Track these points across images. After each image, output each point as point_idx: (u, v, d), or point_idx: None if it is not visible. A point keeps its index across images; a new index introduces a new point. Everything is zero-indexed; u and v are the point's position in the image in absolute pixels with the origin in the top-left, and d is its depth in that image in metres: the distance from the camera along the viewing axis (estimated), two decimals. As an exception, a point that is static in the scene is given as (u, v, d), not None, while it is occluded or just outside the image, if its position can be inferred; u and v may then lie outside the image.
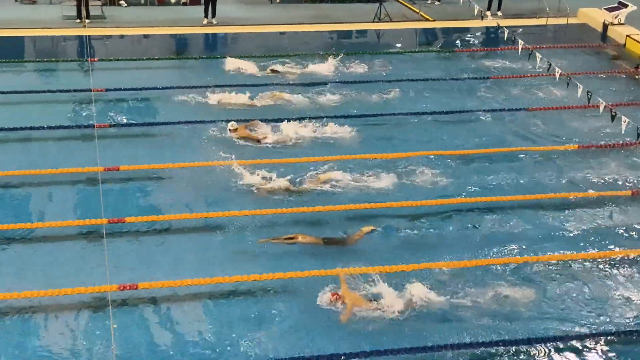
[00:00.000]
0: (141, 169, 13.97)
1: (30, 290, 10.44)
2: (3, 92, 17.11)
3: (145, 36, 22.81)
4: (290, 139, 15.34)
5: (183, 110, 16.65)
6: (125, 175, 13.71)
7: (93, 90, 17.20)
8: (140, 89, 17.54)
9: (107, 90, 17.41)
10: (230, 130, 15.34)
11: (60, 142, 15.02)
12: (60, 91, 17.37)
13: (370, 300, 10.51)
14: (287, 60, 19.75)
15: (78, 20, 23.23)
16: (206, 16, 23.90)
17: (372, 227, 12.39)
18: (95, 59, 19.74)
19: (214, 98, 17.05)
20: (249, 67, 19.21)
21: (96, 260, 11.21)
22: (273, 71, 19.17)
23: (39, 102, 16.93)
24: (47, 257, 11.43)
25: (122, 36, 22.74)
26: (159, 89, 17.64)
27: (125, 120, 15.96)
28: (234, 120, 15.55)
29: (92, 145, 14.53)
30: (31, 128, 15.37)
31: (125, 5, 25.92)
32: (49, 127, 15.37)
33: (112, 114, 16.34)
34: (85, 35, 21.91)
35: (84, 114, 16.29)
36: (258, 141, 15.25)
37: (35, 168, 13.81)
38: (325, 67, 19.49)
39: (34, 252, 11.61)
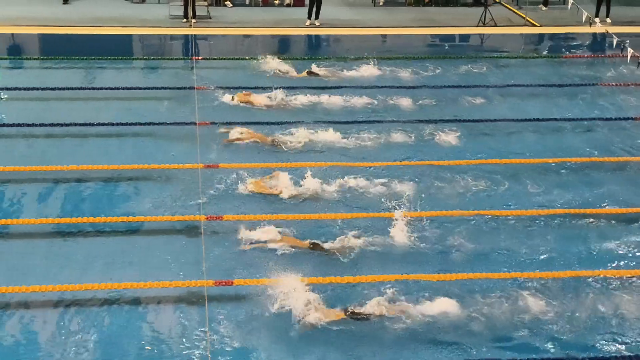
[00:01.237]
0: (240, 167, 14.06)
1: (129, 282, 10.63)
2: (111, 88, 17.56)
3: (248, 36, 23.07)
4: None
5: (283, 110, 16.80)
6: (225, 172, 13.81)
7: (196, 88, 17.47)
8: (243, 88, 17.69)
9: (207, 88, 17.66)
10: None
11: (161, 138, 15.23)
12: (165, 88, 17.73)
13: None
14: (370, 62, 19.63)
15: (184, 20, 23.67)
16: (309, 17, 24.00)
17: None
18: (200, 58, 20.06)
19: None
20: (288, 69, 19.19)
21: (192, 255, 11.31)
22: (310, 73, 19.09)
23: (143, 99, 17.26)
24: (144, 251, 11.60)
25: (225, 36, 23.07)
26: (261, 88, 17.77)
27: (225, 119, 16.10)
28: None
29: (193, 143, 14.77)
30: (135, 124, 15.66)
31: (231, 5, 26.30)
32: (152, 124, 15.64)
33: (213, 112, 16.54)
34: (191, 35, 22.35)
35: (186, 111, 16.52)
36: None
37: (137, 163, 14.08)
38: (410, 71, 19.37)
39: (132, 245, 11.79)
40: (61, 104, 16.96)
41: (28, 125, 15.47)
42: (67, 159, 14.11)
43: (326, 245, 11.64)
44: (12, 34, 22.42)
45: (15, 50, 21.80)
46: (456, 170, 14.19)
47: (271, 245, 11.56)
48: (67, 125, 15.51)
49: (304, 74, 19.00)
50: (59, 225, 12.05)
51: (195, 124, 15.62)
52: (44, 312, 10.09)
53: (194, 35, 22.41)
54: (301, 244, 11.66)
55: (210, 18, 24.44)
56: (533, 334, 9.92)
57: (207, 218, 12.22)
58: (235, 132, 15.28)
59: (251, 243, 11.61)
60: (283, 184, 13.22)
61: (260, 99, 17.08)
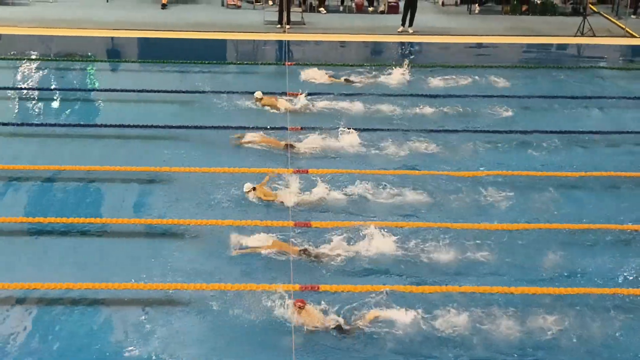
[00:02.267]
0: (329, 172, 14.07)
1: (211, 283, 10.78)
2: (204, 92, 17.79)
3: (342, 43, 23.14)
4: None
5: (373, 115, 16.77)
6: (313, 178, 13.84)
7: (288, 94, 17.58)
8: (334, 94, 17.73)
9: (302, 93, 17.75)
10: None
11: (252, 143, 15.34)
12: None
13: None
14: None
15: (279, 26, 23.88)
16: (403, 24, 23.91)
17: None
18: (292, 63, 20.19)
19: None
20: (322, 76, 19.02)
21: (278, 261, 11.38)
22: (347, 81, 18.92)
23: (237, 102, 17.44)
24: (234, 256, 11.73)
25: (319, 42, 23.17)
26: (351, 94, 17.76)
27: (314, 124, 16.15)
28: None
29: (284, 147, 14.91)
30: (227, 128, 15.83)
31: (325, 12, 26.39)
32: (247, 128, 15.76)
33: (304, 117, 16.61)
34: (285, 40, 22.54)
35: (278, 115, 16.62)
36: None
37: (225, 166, 14.23)
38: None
39: (214, 248, 11.88)
40: (156, 106, 17.31)
41: (125, 126, 15.85)
42: (161, 161, 14.43)
43: (317, 252, 11.58)
44: (112, 37, 23.01)
45: (115, 53, 22.37)
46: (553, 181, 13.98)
47: (262, 251, 11.58)
48: (163, 127, 15.87)
49: (342, 80, 18.92)
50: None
51: (286, 129, 15.71)
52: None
53: (288, 41, 22.59)
54: (291, 250, 11.57)
55: (304, 24, 24.59)
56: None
57: (295, 224, 12.30)
58: (249, 136, 15.33)
59: (240, 249, 11.62)
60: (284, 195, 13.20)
61: (283, 103, 17.10)
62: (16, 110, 17.18)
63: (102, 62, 20.98)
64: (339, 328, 9.98)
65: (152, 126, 15.89)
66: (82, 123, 16.17)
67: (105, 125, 15.92)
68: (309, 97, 17.23)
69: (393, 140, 15.39)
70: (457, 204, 13.21)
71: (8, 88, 18.17)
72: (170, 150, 15.00)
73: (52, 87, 18.58)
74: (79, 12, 24.97)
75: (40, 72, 19.52)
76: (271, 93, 17.65)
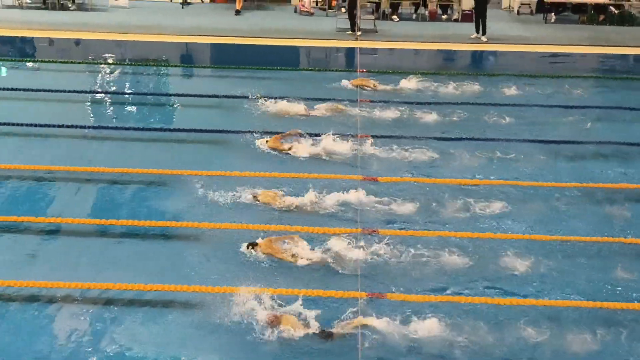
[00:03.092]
0: (402, 181, 13.98)
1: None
2: (274, 98, 17.73)
3: (416, 51, 23.05)
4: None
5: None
6: (384, 187, 13.78)
7: (359, 101, 17.55)
8: (406, 103, 17.66)
9: (371, 101, 17.71)
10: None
11: (323, 149, 15.31)
12: (328, 100, 17.89)
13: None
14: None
15: (350, 32, 23.90)
16: (477, 32, 23.71)
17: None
18: (364, 70, 20.16)
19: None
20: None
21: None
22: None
23: (304, 107, 17.43)
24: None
25: (391, 50, 23.12)
26: (421, 103, 17.67)
27: (383, 132, 16.09)
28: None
29: (353, 154, 14.85)
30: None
31: (397, 19, 26.33)
32: (315, 135, 15.78)
33: (373, 125, 16.56)
34: (356, 47, 22.54)
35: (348, 123, 16.61)
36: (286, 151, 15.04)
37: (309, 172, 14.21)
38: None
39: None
40: (226, 110, 17.45)
41: (198, 131, 15.95)
42: (228, 164, 14.51)
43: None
44: (186, 43, 23.35)
45: (188, 59, 22.70)
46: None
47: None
48: (234, 132, 15.92)
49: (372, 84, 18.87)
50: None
51: (356, 136, 15.67)
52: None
53: (359, 48, 22.58)
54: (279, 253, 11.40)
55: (376, 31, 24.55)
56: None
57: (363, 231, 12.24)
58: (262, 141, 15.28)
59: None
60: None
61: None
62: (92, 113, 17.53)
63: (176, 67, 21.29)
64: (322, 333, 9.82)
65: (222, 131, 15.99)
66: (155, 127, 16.30)
67: (179, 130, 16.06)
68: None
69: (465, 148, 15.27)
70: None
71: (85, 91, 18.54)
72: (235, 154, 15.05)
73: (127, 91, 18.93)
74: (155, 18, 25.42)
75: (116, 76, 19.92)
76: (341, 100, 17.67)
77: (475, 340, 9.77)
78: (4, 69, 20.10)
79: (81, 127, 15.98)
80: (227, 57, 21.96)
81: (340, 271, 11.18)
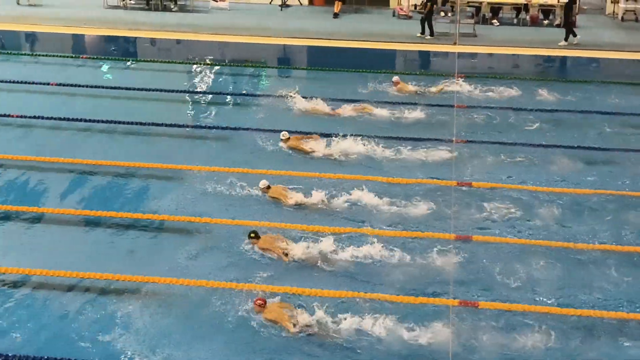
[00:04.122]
0: (496, 187, 13.74)
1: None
2: (353, 100, 17.69)
3: (515, 56, 22.70)
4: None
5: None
6: (478, 192, 13.56)
7: (456, 107, 17.36)
8: (501, 108, 17.39)
9: (468, 106, 17.50)
10: (281, 139, 15.21)
11: (418, 153, 15.15)
12: (427, 105, 17.66)
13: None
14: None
15: (428, 37, 23.74)
16: (566, 39, 23.22)
17: None
18: (462, 75, 19.89)
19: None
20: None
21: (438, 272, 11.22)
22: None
23: (406, 114, 17.27)
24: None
25: (491, 54, 22.82)
26: (519, 109, 17.37)
27: (480, 138, 15.85)
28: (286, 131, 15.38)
29: (448, 160, 14.69)
30: (399, 138, 15.68)
31: (497, 24, 25.95)
32: (413, 139, 15.61)
33: (469, 130, 16.34)
34: (455, 52, 22.31)
35: (444, 128, 16.42)
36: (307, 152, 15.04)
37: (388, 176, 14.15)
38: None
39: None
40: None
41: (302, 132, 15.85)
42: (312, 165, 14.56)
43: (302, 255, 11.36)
44: (284, 45, 23.54)
45: (286, 61, 22.91)
46: None
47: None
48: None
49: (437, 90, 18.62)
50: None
51: (452, 141, 15.49)
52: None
53: (458, 52, 22.33)
54: (277, 251, 11.42)
55: (475, 36, 24.25)
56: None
57: (456, 237, 12.07)
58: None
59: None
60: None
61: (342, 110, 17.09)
62: (191, 112, 17.82)
63: (273, 68, 21.49)
64: (308, 328, 9.86)
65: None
66: (249, 127, 16.32)
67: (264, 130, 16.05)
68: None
69: (564, 155, 14.96)
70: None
71: (184, 91, 18.85)
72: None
73: (225, 91, 19.17)
74: (253, 20, 25.71)
75: (215, 76, 20.20)
76: (440, 106, 17.48)
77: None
78: (105, 67, 20.61)
79: (179, 126, 16.26)
80: (325, 60, 21.99)
81: (431, 277, 11.11)
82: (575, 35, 23.19)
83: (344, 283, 10.85)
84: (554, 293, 10.73)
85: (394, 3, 28.26)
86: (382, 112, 17.10)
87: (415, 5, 27.54)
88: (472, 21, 24.89)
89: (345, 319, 9.95)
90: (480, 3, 26.19)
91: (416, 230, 12.26)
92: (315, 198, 13.02)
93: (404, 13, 26.90)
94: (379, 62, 21.27)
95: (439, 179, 13.98)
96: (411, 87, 18.58)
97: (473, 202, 13.13)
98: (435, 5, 24.58)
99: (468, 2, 26.07)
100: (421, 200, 13.11)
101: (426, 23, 23.94)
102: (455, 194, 13.30)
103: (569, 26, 23.28)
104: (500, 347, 9.66)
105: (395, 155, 14.92)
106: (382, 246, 11.55)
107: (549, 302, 10.55)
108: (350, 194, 13.13)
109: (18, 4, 26.95)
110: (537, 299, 10.63)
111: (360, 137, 15.32)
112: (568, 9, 23.44)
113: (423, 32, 24.05)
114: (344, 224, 12.36)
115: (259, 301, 10.04)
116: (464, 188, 13.65)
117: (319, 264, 11.25)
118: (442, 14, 25.34)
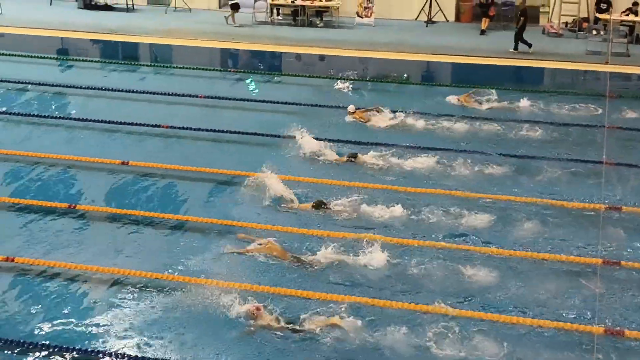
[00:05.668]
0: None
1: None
2: (425, 114, 17.47)
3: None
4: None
5: None
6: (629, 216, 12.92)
7: (607, 127, 16.81)
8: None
9: (620, 127, 16.93)
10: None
11: (568, 173, 14.68)
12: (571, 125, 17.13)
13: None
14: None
15: (511, 50, 22.97)
16: None
17: None
18: (614, 95, 19.09)
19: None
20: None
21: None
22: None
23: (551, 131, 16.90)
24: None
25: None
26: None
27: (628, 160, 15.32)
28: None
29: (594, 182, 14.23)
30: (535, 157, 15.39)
31: (653, 44, 24.93)
32: (525, 156, 15.31)
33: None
34: (606, 72, 21.58)
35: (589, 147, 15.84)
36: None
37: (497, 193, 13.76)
38: None
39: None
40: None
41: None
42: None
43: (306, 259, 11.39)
44: (428, 62, 23.36)
45: (429, 77, 22.75)
46: None
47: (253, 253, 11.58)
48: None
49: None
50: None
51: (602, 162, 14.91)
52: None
53: (610, 72, 21.57)
54: (285, 255, 11.47)
55: (628, 55, 23.31)
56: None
57: (604, 262, 11.52)
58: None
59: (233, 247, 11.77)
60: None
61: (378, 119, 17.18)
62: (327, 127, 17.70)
63: (415, 84, 21.31)
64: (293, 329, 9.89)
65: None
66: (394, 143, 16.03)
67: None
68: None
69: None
70: None
71: (322, 105, 18.66)
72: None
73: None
74: (398, 36, 25.67)
75: (352, 90, 19.96)
76: (552, 124, 17.14)
77: None
78: (253, 83, 20.96)
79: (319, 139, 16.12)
80: (467, 76, 21.60)
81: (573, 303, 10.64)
82: None
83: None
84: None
85: (544, 20, 27.55)
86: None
87: (566, 23, 26.74)
88: (625, 40, 24.00)
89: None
90: (634, 22, 25.19)
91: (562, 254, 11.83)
92: None
93: (554, 31, 26.20)
94: (525, 80, 20.84)
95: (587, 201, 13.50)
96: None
97: (621, 226, 12.57)
98: (527, 20, 23.69)
99: (622, 22, 25.16)
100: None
101: (519, 39, 23.35)
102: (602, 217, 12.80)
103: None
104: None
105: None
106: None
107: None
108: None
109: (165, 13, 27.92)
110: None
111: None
112: None
113: (516, 48, 23.36)
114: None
115: (254, 309, 10.05)
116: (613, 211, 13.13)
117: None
118: (594, 32, 24.47)
